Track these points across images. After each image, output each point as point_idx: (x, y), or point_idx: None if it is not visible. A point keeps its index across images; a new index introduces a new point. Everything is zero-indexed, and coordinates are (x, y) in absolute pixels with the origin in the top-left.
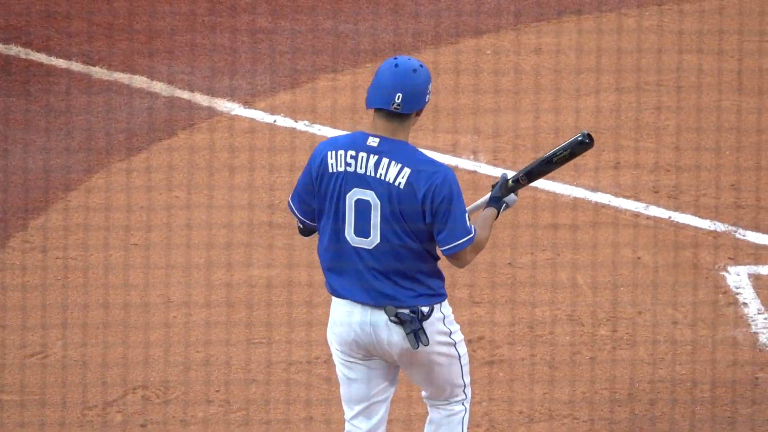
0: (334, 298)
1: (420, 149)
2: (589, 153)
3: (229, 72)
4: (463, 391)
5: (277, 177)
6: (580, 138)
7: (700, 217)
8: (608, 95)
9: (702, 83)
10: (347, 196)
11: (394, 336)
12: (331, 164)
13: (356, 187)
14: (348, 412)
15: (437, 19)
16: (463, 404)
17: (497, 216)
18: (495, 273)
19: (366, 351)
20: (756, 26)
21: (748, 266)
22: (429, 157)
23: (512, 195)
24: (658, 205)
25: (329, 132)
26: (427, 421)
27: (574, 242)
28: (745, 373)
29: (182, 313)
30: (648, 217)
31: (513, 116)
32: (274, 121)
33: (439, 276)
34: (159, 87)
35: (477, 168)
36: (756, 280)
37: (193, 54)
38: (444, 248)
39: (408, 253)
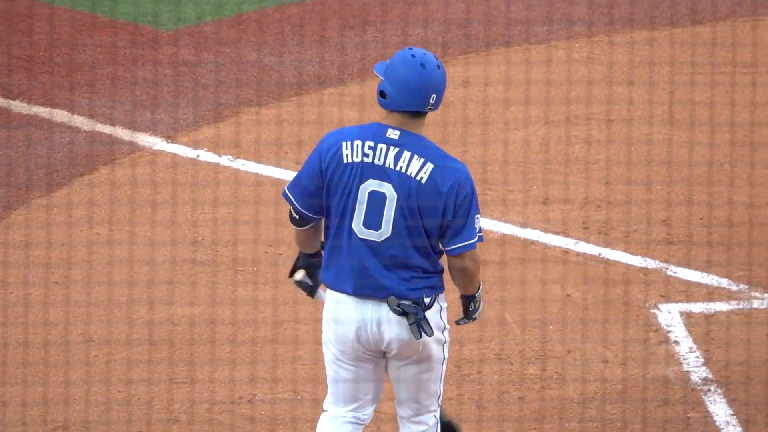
0: (330, 296)
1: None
2: (517, 188)
3: (151, 106)
4: (437, 401)
5: (201, 213)
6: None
7: (631, 253)
8: (537, 128)
9: (633, 116)
10: (361, 187)
11: (394, 329)
12: (346, 155)
13: (372, 178)
14: (337, 410)
15: (363, 51)
16: (435, 416)
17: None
18: None
19: (361, 350)
20: (688, 57)
21: (679, 303)
22: (447, 154)
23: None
24: (588, 242)
25: (253, 167)
26: None
27: (503, 279)
28: (676, 413)
29: (103, 351)
30: (578, 254)
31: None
32: (197, 156)
33: (440, 270)
34: (80, 121)
35: None
36: (687, 317)
37: (114, 87)
38: (456, 246)
39: (415, 248)
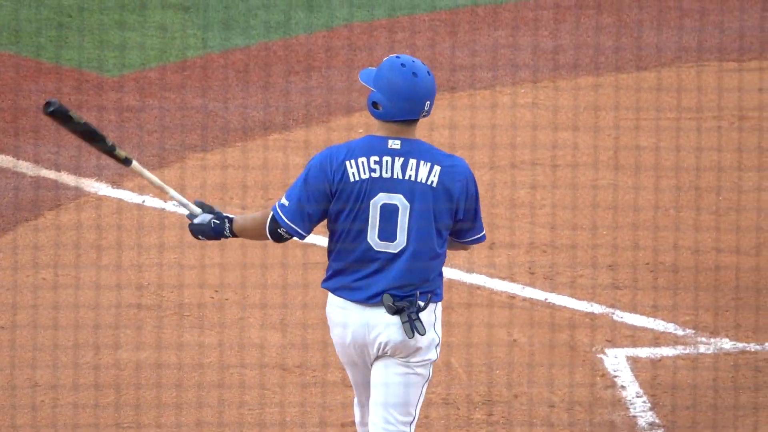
0: (333, 302)
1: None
2: None
3: (96, 151)
4: (415, 410)
5: (146, 258)
6: None
7: (577, 298)
8: (482, 173)
9: (578, 161)
10: (371, 203)
11: (388, 329)
12: (352, 173)
13: (382, 191)
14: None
15: (308, 97)
16: (410, 426)
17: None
18: None
19: (355, 355)
20: (633, 103)
21: (625, 348)
22: (446, 152)
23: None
24: (534, 286)
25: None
26: None
27: (449, 323)
28: None
29: (50, 396)
30: (524, 299)
31: None
32: (143, 201)
33: (441, 276)
34: (25, 166)
35: None
36: (634, 362)
37: (59, 133)
38: (470, 239)
39: (429, 254)
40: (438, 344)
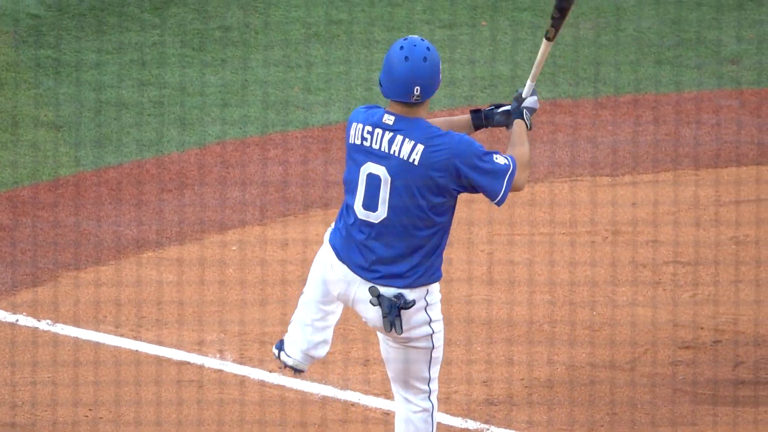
0: (328, 253)
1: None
2: (338, 350)
3: None
4: (428, 385)
5: (20, 376)
6: None
7: (452, 414)
8: None
9: (452, 276)
10: (361, 169)
11: (370, 313)
12: (353, 135)
13: (369, 161)
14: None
15: (181, 214)
16: (429, 399)
17: (528, 124)
18: None
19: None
20: (506, 218)
21: None
22: (437, 131)
23: (532, 98)
24: None
25: (72, 331)
26: (396, 418)
27: None
28: None
29: None
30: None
31: (260, 311)
32: (16, 320)
33: (435, 258)
34: None
35: (223, 366)
36: None
37: None
38: (497, 198)
39: (412, 231)
40: (431, 322)
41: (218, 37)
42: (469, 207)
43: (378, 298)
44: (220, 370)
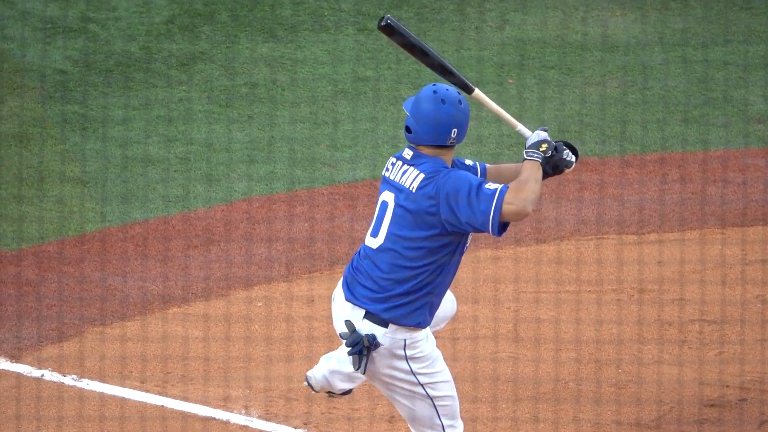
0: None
1: None
2: (363, 405)
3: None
4: (443, 430)
5: (45, 431)
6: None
7: None
8: None
9: (478, 333)
10: (380, 197)
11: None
12: (386, 166)
13: (387, 190)
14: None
15: (207, 270)
16: None
17: (538, 159)
18: None
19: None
20: (532, 275)
21: None
22: (443, 167)
23: (531, 137)
24: None
25: (97, 386)
26: None
27: None
28: None
29: None
30: None
31: (286, 367)
32: (42, 375)
33: (419, 300)
34: None
35: (249, 423)
36: None
37: None
38: (488, 227)
39: (401, 261)
40: (417, 374)
41: (245, 94)
42: (495, 264)
43: (350, 331)
44: (246, 426)
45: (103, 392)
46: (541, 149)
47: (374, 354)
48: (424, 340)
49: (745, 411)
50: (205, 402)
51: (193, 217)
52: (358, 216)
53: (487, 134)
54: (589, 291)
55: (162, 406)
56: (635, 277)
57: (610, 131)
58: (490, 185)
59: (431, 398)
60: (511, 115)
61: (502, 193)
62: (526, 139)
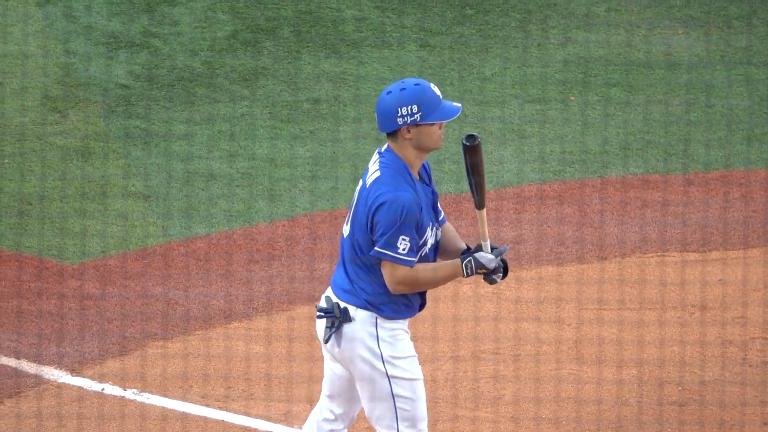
0: None
1: None
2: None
3: (57, 338)
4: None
5: None
6: (464, 143)
7: None
8: (443, 363)
9: (540, 351)
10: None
11: (319, 325)
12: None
13: (362, 183)
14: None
15: (269, 285)
16: None
17: (464, 272)
18: None
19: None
20: (594, 294)
21: None
22: (391, 179)
23: (486, 255)
24: None
25: (158, 401)
26: None
27: None
28: None
29: None
30: None
31: None
32: (103, 389)
33: (379, 291)
34: None
35: None
36: None
37: (19, 321)
38: (373, 249)
39: (358, 250)
40: (384, 360)
41: (307, 110)
42: (557, 282)
43: (324, 304)
44: None
45: (164, 407)
46: (479, 270)
47: (346, 329)
48: (395, 327)
49: None
50: (267, 417)
51: (255, 233)
52: None
53: (548, 151)
54: (650, 309)
55: (223, 421)
56: (697, 296)
57: (672, 149)
58: (402, 244)
59: (393, 396)
60: (575, 133)
61: (393, 258)
62: (479, 247)
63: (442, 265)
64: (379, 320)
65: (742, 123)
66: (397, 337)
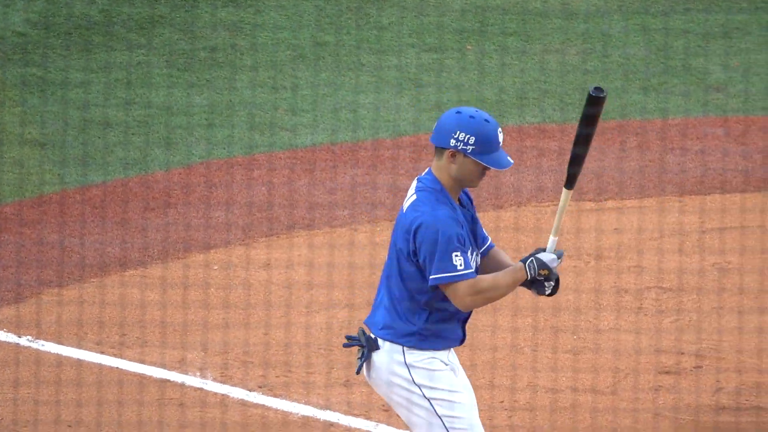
0: None
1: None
2: (318, 370)
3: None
4: None
5: (0, 393)
6: (590, 94)
7: None
8: (339, 311)
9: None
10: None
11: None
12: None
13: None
14: None
15: (165, 233)
16: None
17: (528, 274)
18: None
19: None
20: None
21: None
22: (429, 202)
23: (548, 255)
24: (389, 424)
25: (53, 348)
26: None
27: None
28: None
29: None
30: None
31: (242, 331)
32: None
33: (413, 320)
34: None
35: (203, 385)
36: None
37: None
38: (429, 278)
39: (397, 281)
40: (422, 387)
41: (204, 58)
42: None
43: (359, 334)
44: (201, 389)
45: (59, 354)
46: (541, 271)
47: (374, 358)
48: (427, 353)
49: (701, 378)
50: (162, 365)
51: (151, 180)
52: (316, 180)
53: (445, 100)
54: None
55: (118, 368)
56: (593, 244)
57: (569, 99)
58: (457, 259)
59: (438, 414)
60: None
61: (453, 278)
62: (543, 248)
63: (502, 272)
64: (406, 349)
65: (639, 73)
66: (429, 362)
